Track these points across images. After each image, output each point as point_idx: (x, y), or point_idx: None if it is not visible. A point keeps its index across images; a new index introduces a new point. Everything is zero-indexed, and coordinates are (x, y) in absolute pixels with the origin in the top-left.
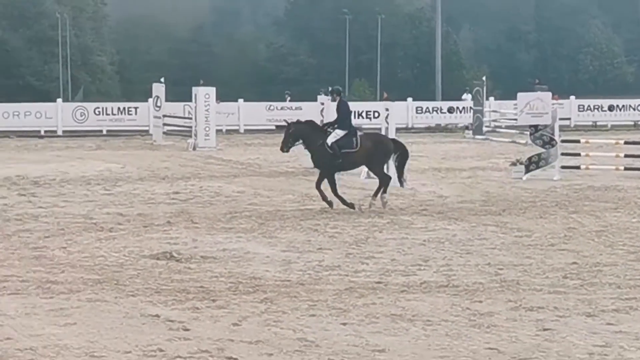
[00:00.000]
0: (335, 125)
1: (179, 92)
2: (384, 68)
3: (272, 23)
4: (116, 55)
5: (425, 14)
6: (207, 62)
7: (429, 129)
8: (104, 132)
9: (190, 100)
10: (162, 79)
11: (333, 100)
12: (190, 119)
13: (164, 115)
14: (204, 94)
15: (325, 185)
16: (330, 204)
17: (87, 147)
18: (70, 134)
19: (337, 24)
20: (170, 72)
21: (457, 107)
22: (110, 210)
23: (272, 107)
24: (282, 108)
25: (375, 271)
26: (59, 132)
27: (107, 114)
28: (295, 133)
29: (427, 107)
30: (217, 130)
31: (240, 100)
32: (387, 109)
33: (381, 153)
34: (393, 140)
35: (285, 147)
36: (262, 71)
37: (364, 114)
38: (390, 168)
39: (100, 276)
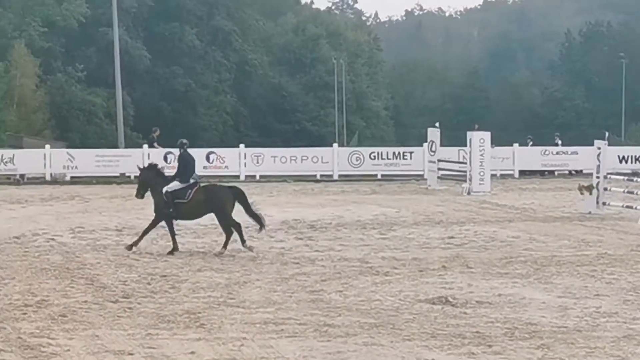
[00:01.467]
0: (175, 177)
1: (454, 137)
2: None
3: (546, 67)
4: (390, 100)
5: None
6: (482, 107)
7: None
8: (379, 177)
9: (465, 145)
10: (437, 124)
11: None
12: (465, 163)
13: (439, 160)
14: (479, 138)
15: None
16: (174, 249)
17: (362, 191)
18: (345, 179)
19: (613, 68)
20: (444, 117)
21: None
22: (386, 254)
23: (547, 152)
24: (557, 153)
25: None
26: (335, 177)
27: (382, 159)
28: (143, 180)
29: None
30: (491, 175)
31: (515, 145)
32: None
33: (215, 205)
34: (231, 187)
35: (139, 193)
36: (536, 115)
37: None
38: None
39: (376, 320)
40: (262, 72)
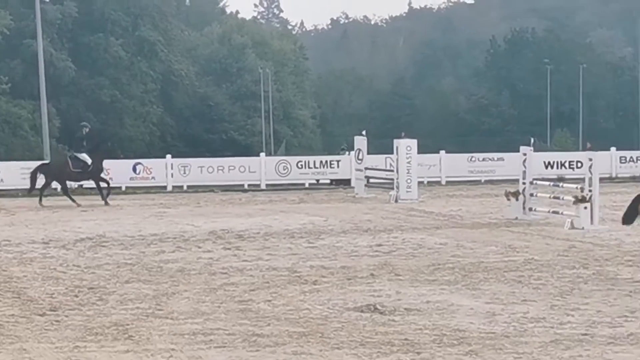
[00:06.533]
0: None
1: (380, 145)
2: (586, 117)
3: (472, 74)
4: (317, 109)
5: (627, 63)
6: (408, 114)
7: (633, 179)
8: (306, 186)
9: (392, 153)
10: (364, 132)
11: None
12: (392, 171)
13: (366, 168)
14: (406, 146)
15: None
16: None
17: (290, 200)
18: (273, 188)
19: (538, 74)
20: (371, 125)
21: None
22: (314, 263)
23: (473, 159)
24: (483, 159)
25: (581, 323)
26: (262, 186)
27: (309, 167)
28: None
29: (632, 157)
30: (419, 182)
31: (442, 152)
32: (590, 159)
33: None
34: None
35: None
36: (462, 122)
37: (566, 164)
38: None
39: (305, 329)
40: (188, 83)
